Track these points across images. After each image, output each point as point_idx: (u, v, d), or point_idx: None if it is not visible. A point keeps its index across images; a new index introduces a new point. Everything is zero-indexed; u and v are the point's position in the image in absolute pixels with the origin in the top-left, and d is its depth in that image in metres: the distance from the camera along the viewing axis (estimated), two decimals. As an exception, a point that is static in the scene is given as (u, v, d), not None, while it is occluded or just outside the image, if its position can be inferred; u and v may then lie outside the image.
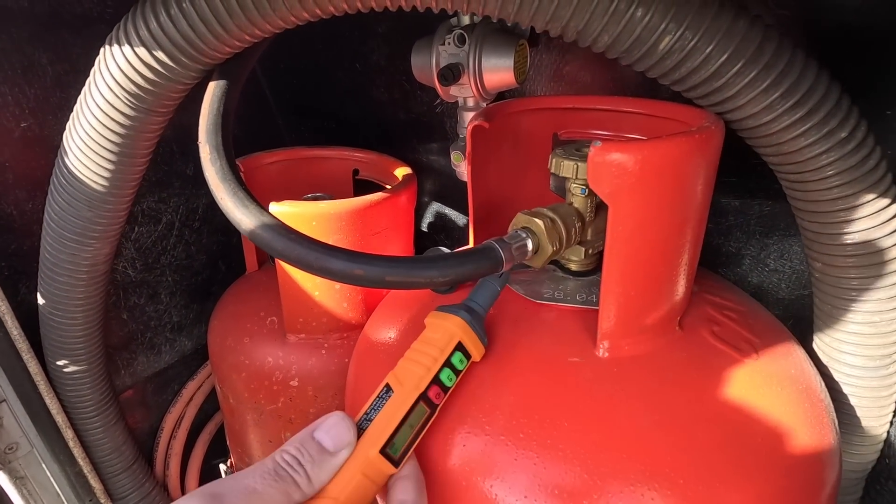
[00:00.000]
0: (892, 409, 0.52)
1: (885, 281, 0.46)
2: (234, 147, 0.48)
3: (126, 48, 0.45)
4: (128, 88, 0.47)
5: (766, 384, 0.43)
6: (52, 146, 0.73)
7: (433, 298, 0.57)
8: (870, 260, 0.45)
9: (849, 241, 0.45)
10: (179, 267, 0.96)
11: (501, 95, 0.74)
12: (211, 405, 1.07)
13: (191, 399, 1.01)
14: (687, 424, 0.39)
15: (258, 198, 0.44)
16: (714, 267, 0.76)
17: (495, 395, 0.42)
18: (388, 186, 0.87)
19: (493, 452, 0.39)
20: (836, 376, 0.52)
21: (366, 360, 0.57)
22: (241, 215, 0.40)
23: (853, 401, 0.52)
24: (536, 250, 0.45)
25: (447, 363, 0.40)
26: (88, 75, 0.65)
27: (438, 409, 0.39)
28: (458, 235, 1.01)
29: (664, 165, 0.37)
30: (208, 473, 1.06)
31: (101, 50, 0.49)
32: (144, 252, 0.89)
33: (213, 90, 0.47)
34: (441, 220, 1.02)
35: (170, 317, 0.97)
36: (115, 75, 0.47)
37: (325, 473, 0.34)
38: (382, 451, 0.36)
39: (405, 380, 0.39)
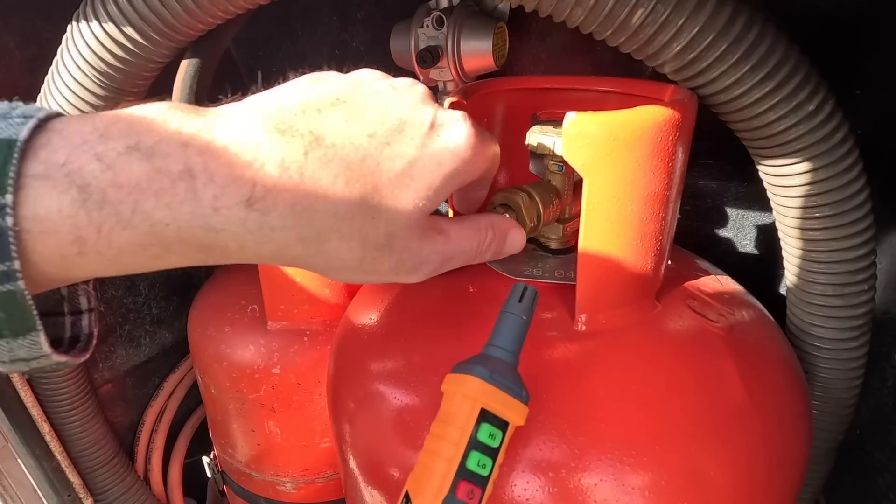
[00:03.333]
0: (862, 380, 0.54)
1: (853, 253, 0.47)
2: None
3: (94, 24, 0.44)
4: (97, 67, 0.46)
5: (739, 355, 0.44)
6: (21, 133, 0.71)
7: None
8: (838, 233, 0.46)
9: (818, 215, 0.46)
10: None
11: (482, 79, 0.74)
12: (193, 398, 1.06)
13: (172, 392, 1.00)
14: (663, 395, 0.40)
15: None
16: (693, 247, 0.77)
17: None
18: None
19: (473, 425, 0.39)
20: (809, 349, 0.53)
21: (346, 345, 0.57)
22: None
23: (825, 373, 0.53)
24: (514, 227, 0.45)
25: (473, 444, 0.30)
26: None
27: (486, 497, 0.30)
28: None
29: (637, 136, 0.37)
30: (192, 467, 1.05)
31: (69, 27, 0.47)
32: (121, 243, 0.87)
33: (186, 69, 0.46)
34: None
35: (149, 309, 0.96)
36: (83, 53, 0.46)
37: None
38: None
39: (424, 483, 0.30)
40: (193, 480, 1.07)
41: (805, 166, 0.44)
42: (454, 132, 0.30)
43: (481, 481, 0.30)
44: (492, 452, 0.31)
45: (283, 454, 0.81)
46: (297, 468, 0.82)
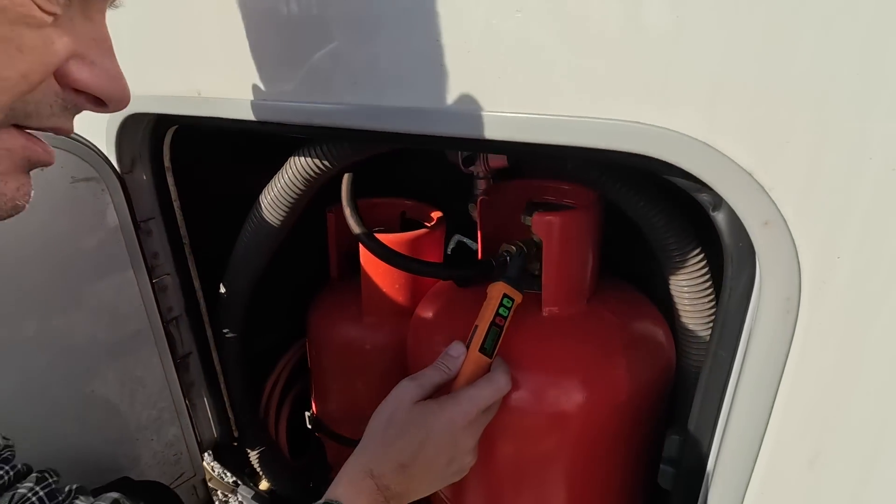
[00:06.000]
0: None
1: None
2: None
3: (307, 159, 0.91)
4: (305, 177, 0.93)
5: (625, 329, 0.85)
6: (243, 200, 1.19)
7: (458, 292, 1.00)
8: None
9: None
10: (290, 272, 1.40)
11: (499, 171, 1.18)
12: (296, 373, 1.50)
13: (284, 367, 1.45)
14: (581, 345, 0.81)
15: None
16: (642, 277, 1.17)
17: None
18: (426, 224, 1.31)
19: (489, 359, 0.82)
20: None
21: (418, 333, 1.00)
22: (369, 242, 0.84)
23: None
24: (513, 263, 0.88)
25: (501, 305, 0.75)
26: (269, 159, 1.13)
27: (505, 327, 0.75)
28: (471, 256, 1.44)
29: (570, 224, 0.80)
30: (294, 418, 1.49)
31: (290, 159, 0.94)
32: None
33: (347, 179, 0.92)
34: (461, 246, 1.46)
35: (275, 309, 1.41)
36: (298, 171, 0.92)
37: (455, 365, 0.74)
38: (481, 350, 0.73)
39: (482, 319, 0.75)
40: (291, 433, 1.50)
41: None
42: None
43: (504, 318, 0.76)
44: (507, 308, 0.76)
45: (368, 409, 1.22)
46: (375, 416, 1.24)
